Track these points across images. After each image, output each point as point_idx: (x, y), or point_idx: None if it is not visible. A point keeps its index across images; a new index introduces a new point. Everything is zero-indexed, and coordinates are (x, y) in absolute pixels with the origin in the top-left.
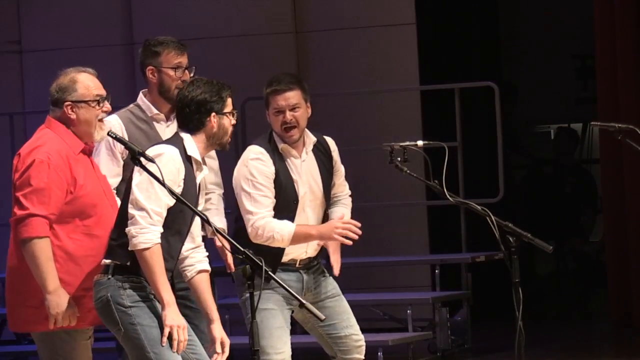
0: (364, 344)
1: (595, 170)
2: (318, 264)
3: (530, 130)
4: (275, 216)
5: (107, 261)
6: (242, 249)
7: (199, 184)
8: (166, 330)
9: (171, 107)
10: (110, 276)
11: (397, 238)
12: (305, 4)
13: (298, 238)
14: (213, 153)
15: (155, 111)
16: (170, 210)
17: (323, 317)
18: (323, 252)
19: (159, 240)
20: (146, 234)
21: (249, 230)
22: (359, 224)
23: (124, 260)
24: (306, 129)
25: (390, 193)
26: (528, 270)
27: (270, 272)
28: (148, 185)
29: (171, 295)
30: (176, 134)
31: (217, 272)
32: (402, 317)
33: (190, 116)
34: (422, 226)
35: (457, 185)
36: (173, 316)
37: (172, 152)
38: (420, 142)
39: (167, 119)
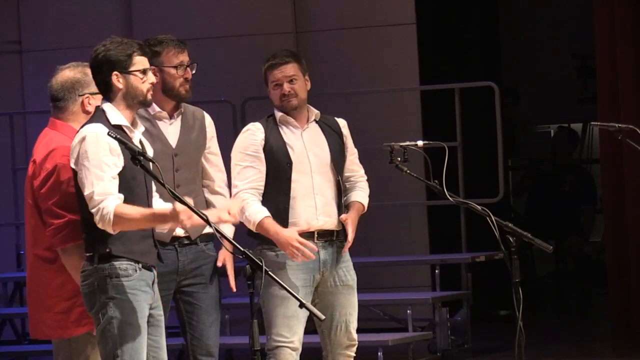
0: (355, 344)
1: (595, 170)
2: (342, 244)
3: (530, 130)
4: (271, 177)
5: (90, 253)
6: (242, 249)
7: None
8: (188, 224)
9: (174, 104)
10: (96, 264)
11: (397, 238)
12: (305, 4)
13: (261, 229)
14: (216, 149)
15: (158, 109)
16: (122, 181)
17: (323, 317)
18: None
19: (116, 202)
20: (102, 210)
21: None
22: (316, 250)
23: (103, 249)
24: (310, 106)
25: (390, 193)
26: (528, 270)
27: (270, 273)
28: (83, 175)
29: (162, 210)
30: (96, 109)
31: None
32: (402, 317)
33: (96, 78)
34: (422, 226)
35: (457, 185)
36: (181, 216)
37: (94, 129)
38: (420, 142)
39: (171, 116)
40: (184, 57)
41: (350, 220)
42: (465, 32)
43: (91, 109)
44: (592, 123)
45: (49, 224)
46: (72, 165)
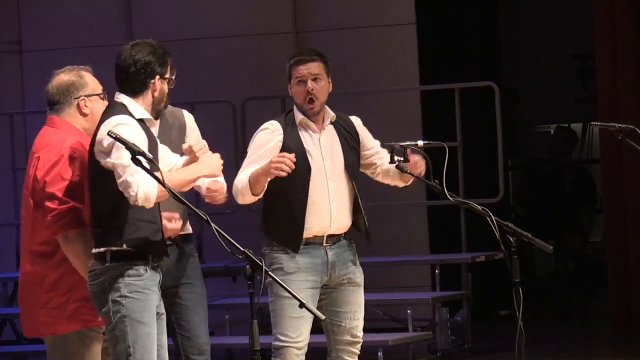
0: (360, 341)
1: (595, 170)
2: (350, 245)
3: (531, 130)
4: (289, 185)
5: (102, 249)
6: (242, 249)
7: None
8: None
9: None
10: (108, 263)
11: (397, 238)
12: (305, 4)
13: (253, 181)
14: (197, 140)
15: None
16: None
17: (323, 317)
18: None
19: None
20: (141, 184)
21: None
22: (293, 159)
23: (118, 245)
24: (327, 107)
25: (390, 193)
26: (528, 270)
27: (270, 273)
28: (118, 153)
29: (197, 167)
30: (114, 103)
31: (217, 272)
32: (402, 317)
33: (134, 77)
34: (422, 226)
35: (457, 185)
36: (212, 166)
37: (125, 119)
38: (420, 142)
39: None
40: None
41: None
42: (465, 32)
43: (87, 111)
44: (592, 123)
45: (50, 210)
46: (102, 159)
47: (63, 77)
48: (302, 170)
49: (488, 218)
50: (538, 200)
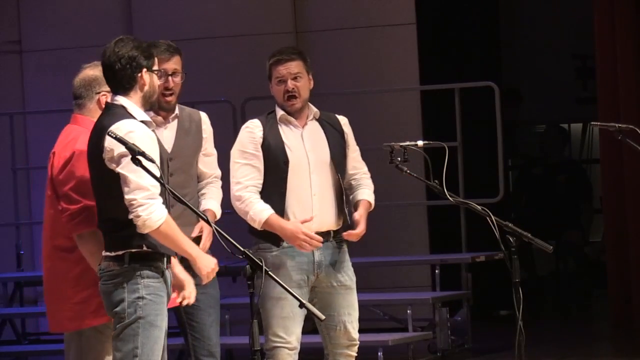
0: (357, 343)
1: (595, 170)
2: (340, 244)
3: (531, 130)
4: (268, 175)
5: (119, 252)
6: (241, 249)
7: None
8: (205, 277)
9: (163, 113)
10: (126, 264)
11: (397, 238)
12: (305, 4)
13: (267, 226)
14: (211, 149)
15: (153, 113)
16: None
17: (323, 317)
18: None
19: (166, 210)
20: (155, 210)
21: (231, 195)
22: (321, 240)
23: (139, 246)
24: (310, 104)
25: (390, 193)
26: (528, 270)
27: (270, 273)
28: (133, 165)
29: (197, 249)
30: (112, 106)
31: (217, 272)
32: (402, 317)
33: (121, 73)
34: (422, 226)
35: (457, 185)
36: (205, 263)
37: (136, 125)
38: (420, 142)
39: (165, 120)
40: (169, 65)
41: (362, 218)
42: (465, 32)
43: None
44: (592, 123)
45: (65, 210)
46: (112, 165)
47: (88, 71)
48: (281, 164)
49: (488, 218)
50: (536, 201)
